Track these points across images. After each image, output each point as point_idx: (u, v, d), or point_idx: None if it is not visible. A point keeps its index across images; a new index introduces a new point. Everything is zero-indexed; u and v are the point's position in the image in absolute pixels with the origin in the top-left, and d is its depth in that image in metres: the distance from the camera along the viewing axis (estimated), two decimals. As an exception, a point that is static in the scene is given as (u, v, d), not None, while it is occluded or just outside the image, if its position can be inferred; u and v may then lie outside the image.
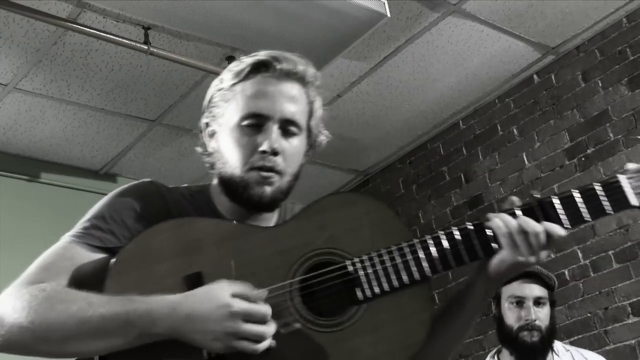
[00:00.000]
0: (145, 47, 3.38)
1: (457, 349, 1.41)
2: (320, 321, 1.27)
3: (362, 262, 1.30)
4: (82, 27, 3.25)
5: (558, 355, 2.75)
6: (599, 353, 3.45)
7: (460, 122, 4.58)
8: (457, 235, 1.30)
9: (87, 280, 1.27)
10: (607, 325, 3.63)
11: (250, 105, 1.38)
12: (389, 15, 3.20)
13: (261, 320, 1.21)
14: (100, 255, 1.31)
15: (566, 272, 3.84)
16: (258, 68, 1.40)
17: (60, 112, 3.92)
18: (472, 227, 1.30)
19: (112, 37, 3.33)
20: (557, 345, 2.80)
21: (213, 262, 1.28)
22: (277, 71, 1.39)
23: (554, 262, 3.87)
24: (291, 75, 1.40)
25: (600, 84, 3.88)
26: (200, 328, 1.19)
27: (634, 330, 3.52)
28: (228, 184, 1.39)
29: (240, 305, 1.20)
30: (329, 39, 3.33)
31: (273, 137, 1.36)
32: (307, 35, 3.26)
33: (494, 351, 2.90)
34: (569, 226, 1.28)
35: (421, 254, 1.29)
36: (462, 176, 4.50)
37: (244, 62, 1.42)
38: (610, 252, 3.68)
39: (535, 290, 2.74)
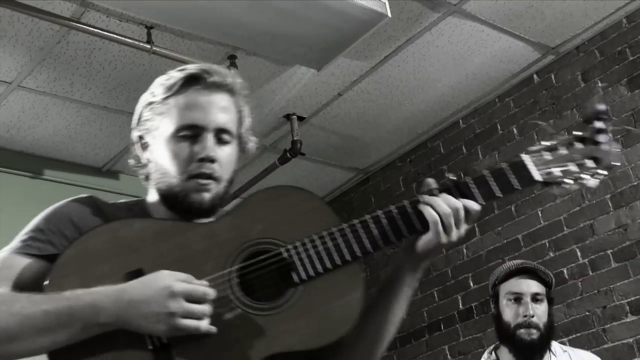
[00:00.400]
0: (148, 46, 3.40)
1: (390, 338, 1.43)
2: (259, 305, 1.32)
3: (295, 247, 1.35)
4: (85, 27, 3.27)
5: (555, 356, 2.74)
6: (597, 351, 3.46)
7: (461, 121, 4.59)
8: (382, 217, 1.38)
9: (28, 287, 1.28)
10: (606, 324, 3.64)
11: (185, 117, 1.42)
12: (389, 15, 3.22)
13: (202, 298, 1.25)
14: (40, 264, 1.32)
15: (565, 271, 3.85)
16: (189, 81, 1.45)
17: (63, 110, 3.95)
18: (396, 210, 1.38)
19: (115, 36, 3.35)
20: (555, 345, 2.79)
21: (153, 258, 1.31)
22: (207, 83, 1.44)
23: (553, 261, 3.89)
24: (221, 87, 1.46)
25: (599, 84, 3.89)
26: (143, 312, 1.22)
27: (632, 329, 3.54)
28: (167, 194, 1.43)
29: (181, 285, 1.24)
30: (330, 38, 3.35)
31: (209, 145, 1.41)
32: (308, 35, 3.29)
33: (491, 347, 2.89)
34: (483, 202, 1.41)
35: (350, 236, 1.36)
36: (462, 175, 4.50)
37: (175, 76, 1.47)
38: (608, 251, 3.70)
39: (533, 286, 2.74)
